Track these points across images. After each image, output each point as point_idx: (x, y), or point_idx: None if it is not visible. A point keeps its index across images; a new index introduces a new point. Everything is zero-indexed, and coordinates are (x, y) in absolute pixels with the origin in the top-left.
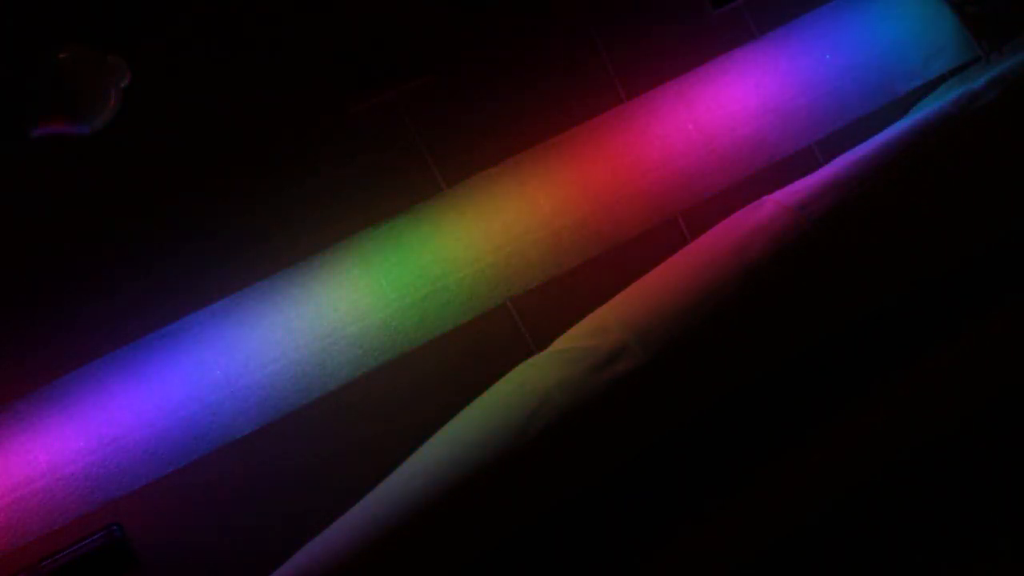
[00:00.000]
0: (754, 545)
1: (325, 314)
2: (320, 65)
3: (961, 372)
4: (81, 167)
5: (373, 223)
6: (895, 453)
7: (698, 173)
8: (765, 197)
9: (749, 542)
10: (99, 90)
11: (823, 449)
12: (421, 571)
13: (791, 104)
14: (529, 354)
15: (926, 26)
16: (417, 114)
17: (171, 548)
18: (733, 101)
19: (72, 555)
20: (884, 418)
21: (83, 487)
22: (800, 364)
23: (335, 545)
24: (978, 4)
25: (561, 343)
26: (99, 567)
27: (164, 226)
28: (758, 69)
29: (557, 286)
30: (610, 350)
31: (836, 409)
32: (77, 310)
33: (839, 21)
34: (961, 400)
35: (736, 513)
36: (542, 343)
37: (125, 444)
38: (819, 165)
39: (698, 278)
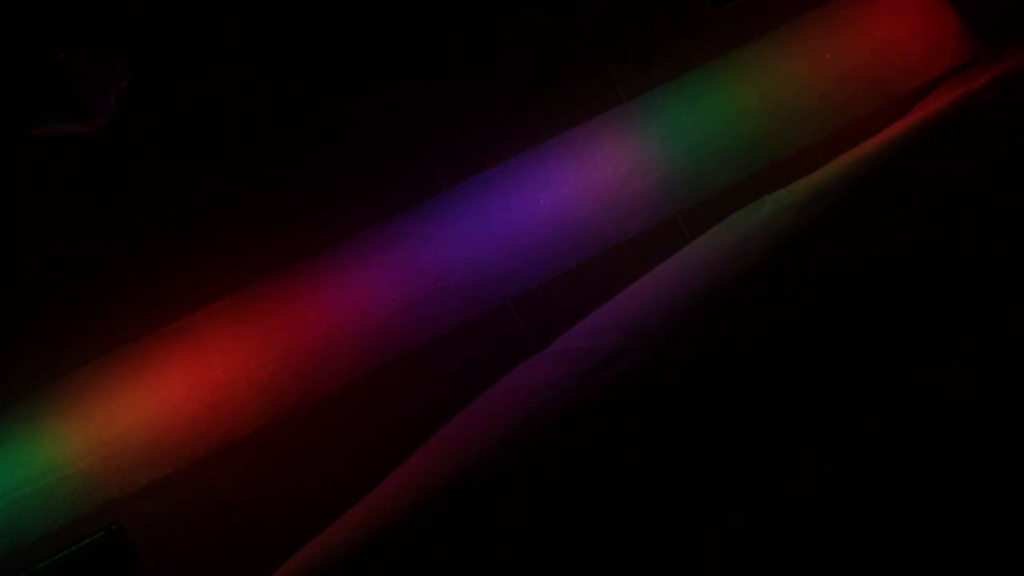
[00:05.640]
0: (754, 546)
1: (325, 314)
2: (320, 65)
3: (962, 372)
4: (81, 167)
5: (373, 223)
6: (897, 453)
7: (697, 173)
8: (765, 197)
9: (749, 542)
10: (99, 90)
11: (824, 450)
12: (420, 571)
13: (791, 104)
14: (529, 354)
15: (926, 26)
16: (417, 114)
17: (171, 548)
18: (732, 101)
19: (72, 555)
20: (886, 418)
21: (83, 487)
22: (800, 365)
23: (335, 545)
24: (978, 4)
25: (561, 343)
26: (99, 567)
27: (163, 226)
28: (758, 69)
29: (557, 286)
30: (610, 350)
31: (837, 410)
32: (77, 310)
33: (839, 21)
34: (962, 400)
35: (736, 513)
36: (542, 343)
37: (125, 444)
38: (819, 165)
39: (697, 278)
